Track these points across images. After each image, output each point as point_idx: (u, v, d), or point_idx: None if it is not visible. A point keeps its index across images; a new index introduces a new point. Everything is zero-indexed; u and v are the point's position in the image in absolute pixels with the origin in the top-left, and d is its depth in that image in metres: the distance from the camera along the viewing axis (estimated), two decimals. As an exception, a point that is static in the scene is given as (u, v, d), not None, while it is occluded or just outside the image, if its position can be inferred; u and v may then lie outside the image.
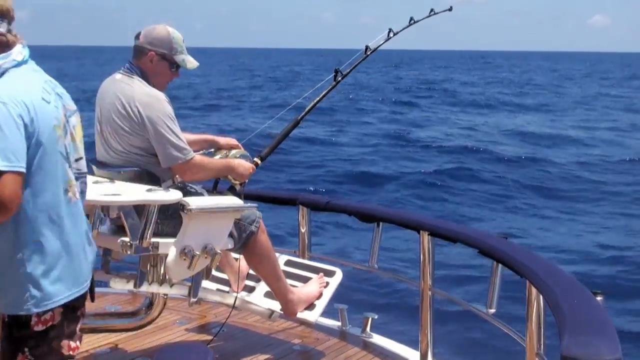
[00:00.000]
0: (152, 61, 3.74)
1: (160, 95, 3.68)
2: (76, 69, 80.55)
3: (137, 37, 3.79)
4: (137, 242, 3.42)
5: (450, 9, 5.18)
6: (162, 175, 3.66)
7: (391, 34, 4.87)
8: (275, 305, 4.16)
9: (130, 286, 3.74)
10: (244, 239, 3.89)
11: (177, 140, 3.64)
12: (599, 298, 2.88)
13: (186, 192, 3.67)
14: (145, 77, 3.72)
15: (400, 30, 4.90)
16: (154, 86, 3.73)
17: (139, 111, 3.59)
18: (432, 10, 5.08)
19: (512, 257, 3.37)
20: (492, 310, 3.69)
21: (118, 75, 3.77)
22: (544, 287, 2.90)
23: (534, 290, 3.16)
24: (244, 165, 4.01)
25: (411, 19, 4.98)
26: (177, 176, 3.75)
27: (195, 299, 3.84)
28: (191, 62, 3.82)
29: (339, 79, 4.63)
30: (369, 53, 4.80)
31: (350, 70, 4.70)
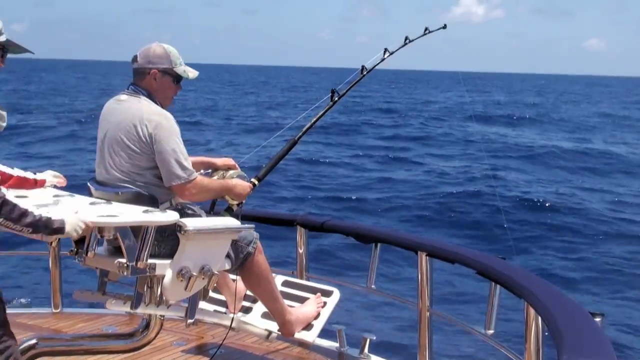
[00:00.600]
0: (155, 79, 3.77)
1: (169, 115, 3.71)
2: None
3: (135, 60, 3.82)
4: (134, 263, 3.41)
5: (444, 27, 5.19)
6: (161, 197, 3.66)
7: (387, 54, 4.90)
8: (273, 326, 4.14)
9: (127, 307, 3.71)
10: (241, 260, 3.88)
11: (183, 159, 3.67)
12: (597, 319, 2.87)
13: (184, 214, 3.67)
14: (151, 97, 3.76)
15: (396, 50, 4.94)
16: (160, 104, 3.77)
17: (147, 130, 3.61)
18: (426, 29, 5.10)
19: (510, 277, 3.37)
20: (491, 331, 3.67)
21: (123, 96, 3.79)
22: (542, 308, 2.89)
23: (532, 311, 3.15)
24: (242, 185, 4.01)
25: (406, 38, 5.00)
26: (175, 198, 3.74)
27: (192, 320, 3.82)
28: (192, 72, 3.88)
29: (336, 99, 4.65)
30: (365, 73, 4.83)
31: (347, 91, 4.72)
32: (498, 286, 3.54)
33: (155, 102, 3.75)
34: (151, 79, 3.78)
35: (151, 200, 3.61)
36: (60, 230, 3.00)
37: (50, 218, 2.97)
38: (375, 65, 4.90)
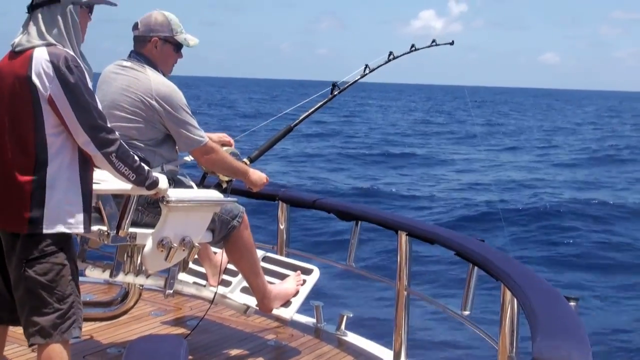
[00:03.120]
0: (156, 46, 3.78)
1: (175, 86, 3.76)
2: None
3: (135, 27, 3.82)
4: (115, 231, 3.41)
5: (452, 43, 5.37)
6: (153, 161, 3.66)
7: (391, 57, 5.06)
8: (251, 301, 4.16)
9: (106, 276, 3.72)
10: (225, 233, 3.90)
11: (197, 126, 3.78)
12: (572, 303, 2.91)
13: (173, 182, 3.69)
14: (152, 64, 3.77)
15: (401, 55, 5.09)
16: (162, 72, 3.80)
17: (158, 101, 3.66)
18: (433, 40, 5.27)
19: (488, 259, 3.40)
20: (467, 312, 3.71)
21: (126, 63, 3.78)
22: (518, 290, 2.92)
23: (508, 293, 3.18)
24: (259, 174, 4.12)
25: (413, 45, 5.20)
26: (166, 165, 3.74)
27: (171, 291, 3.83)
28: (193, 40, 3.90)
29: (336, 93, 4.80)
30: (367, 72, 4.97)
31: (347, 87, 4.89)
32: (476, 268, 3.57)
33: (158, 70, 3.77)
34: (152, 47, 3.78)
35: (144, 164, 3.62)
36: (155, 184, 3.19)
37: (150, 170, 3.16)
38: (379, 66, 5.05)
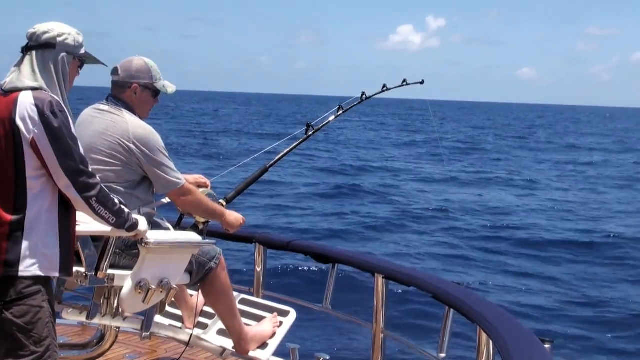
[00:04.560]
0: (136, 93, 3.82)
1: (152, 129, 3.79)
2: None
3: (115, 73, 3.85)
4: (93, 273, 3.40)
5: (422, 82, 5.49)
6: (130, 204, 3.67)
7: (364, 97, 5.15)
8: (228, 343, 4.14)
9: (82, 318, 3.70)
10: (202, 275, 3.90)
11: (174, 169, 3.80)
12: (547, 346, 2.94)
13: (152, 225, 3.70)
14: (130, 109, 3.80)
15: (374, 95, 5.20)
16: (139, 116, 3.82)
17: (135, 143, 3.68)
18: (404, 80, 5.41)
19: (464, 302, 3.43)
20: (443, 355, 3.72)
21: (103, 106, 3.81)
22: (494, 333, 2.95)
23: (484, 335, 3.21)
24: (236, 216, 4.15)
25: (384, 86, 5.28)
26: (143, 208, 3.75)
27: (147, 333, 3.81)
28: (170, 87, 3.95)
29: (310, 133, 4.84)
30: (340, 113, 5.05)
31: (322, 127, 4.95)
32: (452, 310, 3.59)
33: (135, 115, 3.80)
34: (132, 93, 3.82)
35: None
36: (135, 226, 3.17)
37: (129, 212, 3.16)
38: (352, 107, 5.14)
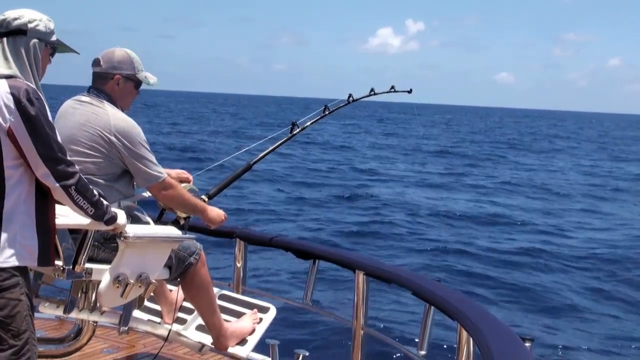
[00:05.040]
0: (118, 84, 3.78)
1: (134, 122, 3.76)
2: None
3: (97, 64, 3.80)
4: (71, 266, 3.36)
5: (410, 91, 5.61)
6: (110, 197, 3.63)
7: (350, 99, 5.19)
8: (207, 339, 4.12)
9: (59, 312, 3.66)
10: (181, 270, 3.87)
11: (155, 162, 3.77)
12: (527, 344, 2.94)
13: (131, 218, 3.66)
14: (112, 101, 3.77)
15: (360, 98, 5.25)
16: (121, 108, 3.79)
17: (117, 136, 3.65)
18: (392, 87, 5.51)
19: (444, 299, 3.42)
20: (423, 352, 3.72)
21: (84, 98, 3.77)
22: (475, 330, 2.95)
23: (464, 333, 3.20)
24: (217, 211, 4.11)
25: (372, 90, 5.35)
26: (123, 201, 3.72)
27: (125, 328, 3.78)
28: (152, 78, 3.93)
29: (295, 131, 4.85)
30: (326, 113, 5.08)
31: (307, 126, 4.95)
32: (433, 308, 3.59)
33: (116, 106, 3.76)
34: (114, 84, 3.78)
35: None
36: (113, 219, 3.13)
37: (109, 205, 3.11)
38: (338, 108, 5.16)
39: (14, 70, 2.87)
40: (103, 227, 3.21)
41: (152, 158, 3.76)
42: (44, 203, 2.92)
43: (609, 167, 43.27)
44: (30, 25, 2.94)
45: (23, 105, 2.79)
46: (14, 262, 2.83)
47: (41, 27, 2.97)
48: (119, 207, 3.65)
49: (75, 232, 3.38)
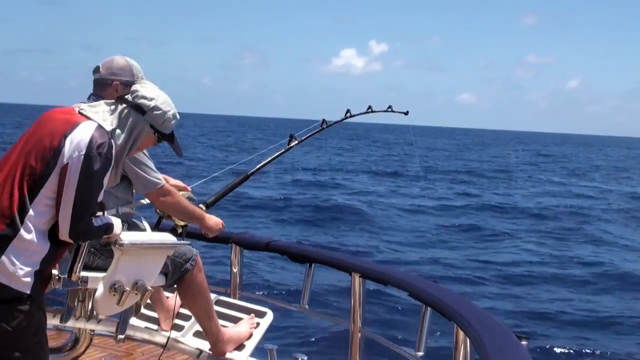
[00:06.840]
0: (117, 90, 3.77)
1: None
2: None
3: (97, 71, 3.81)
4: (66, 275, 3.36)
5: (406, 113, 5.71)
6: (108, 204, 3.63)
7: (348, 114, 5.29)
8: (205, 345, 4.12)
9: (56, 321, 3.65)
10: (178, 276, 3.87)
11: (154, 169, 3.78)
12: (523, 342, 2.95)
13: (128, 225, 3.67)
14: None
15: (357, 114, 5.35)
16: None
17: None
18: (389, 107, 5.63)
19: (440, 300, 3.43)
20: (421, 353, 3.72)
21: (84, 106, 3.76)
22: (471, 330, 2.95)
23: (461, 333, 3.21)
24: (215, 220, 4.12)
25: (369, 107, 5.47)
26: (121, 207, 3.72)
27: (122, 336, 3.77)
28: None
29: (293, 144, 4.90)
30: (324, 127, 5.14)
31: (305, 139, 5.01)
32: (429, 308, 3.60)
33: None
34: (113, 91, 3.78)
35: (98, 208, 3.58)
36: (110, 229, 3.13)
37: (107, 218, 3.12)
38: (336, 122, 5.22)
39: (108, 126, 2.93)
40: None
41: (151, 164, 3.77)
42: (57, 244, 2.93)
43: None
44: (151, 113, 3.08)
45: (92, 155, 2.82)
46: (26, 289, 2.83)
47: (159, 117, 3.10)
48: (117, 213, 3.66)
49: None
